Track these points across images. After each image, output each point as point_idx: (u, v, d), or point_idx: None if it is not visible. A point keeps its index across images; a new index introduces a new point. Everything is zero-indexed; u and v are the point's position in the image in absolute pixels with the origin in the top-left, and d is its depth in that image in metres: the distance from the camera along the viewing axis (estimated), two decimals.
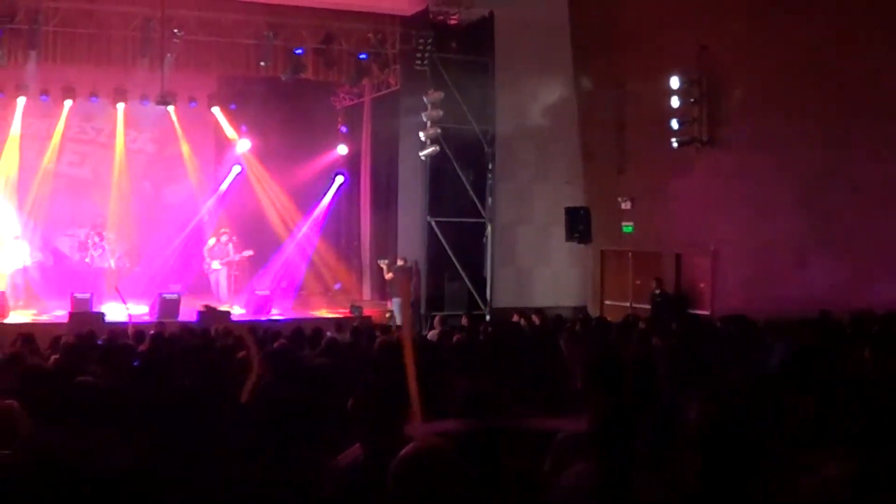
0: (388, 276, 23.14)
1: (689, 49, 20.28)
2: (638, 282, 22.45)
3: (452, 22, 23.22)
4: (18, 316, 21.99)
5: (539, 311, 18.52)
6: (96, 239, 24.83)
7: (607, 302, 23.35)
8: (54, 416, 5.86)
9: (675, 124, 20.53)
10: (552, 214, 23.67)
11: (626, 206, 22.54)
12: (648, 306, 20.88)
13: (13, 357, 9.65)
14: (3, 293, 21.82)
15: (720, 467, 4.04)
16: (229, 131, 26.59)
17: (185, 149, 26.50)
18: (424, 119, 22.67)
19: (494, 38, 23.31)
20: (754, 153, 18.99)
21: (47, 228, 25.42)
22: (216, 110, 26.49)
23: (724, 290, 19.97)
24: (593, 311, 22.09)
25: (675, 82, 20.49)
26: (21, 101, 24.38)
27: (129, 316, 18.04)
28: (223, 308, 22.29)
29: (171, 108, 24.63)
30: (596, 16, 23.46)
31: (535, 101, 23.61)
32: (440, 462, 3.86)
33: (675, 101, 20.53)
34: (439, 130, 22.55)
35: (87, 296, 21.61)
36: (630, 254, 22.89)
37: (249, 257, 24.84)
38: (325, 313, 23.53)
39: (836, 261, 17.11)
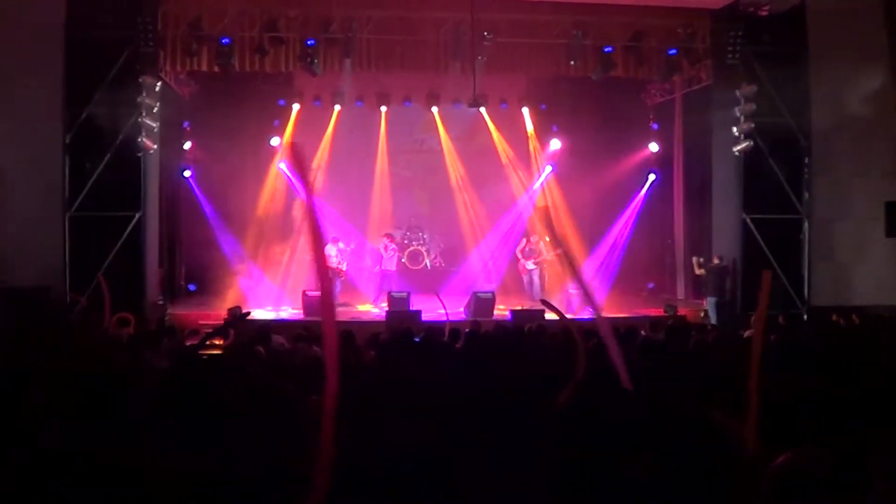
0: (699, 271, 22.97)
1: None
2: None
3: (763, 13, 22.68)
4: (338, 315, 22.92)
5: (859, 310, 17.96)
6: (412, 239, 25.72)
7: None
8: (370, 411, 6.07)
9: None
10: (872, 209, 22.74)
11: None
12: None
13: None
14: None
15: None
16: (540, 131, 26.98)
17: (497, 149, 27.03)
18: (737, 114, 22.32)
19: (807, 27, 22.69)
20: None
21: (365, 230, 26.48)
22: (526, 111, 26.96)
23: None
24: None
25: None
26: (336, 108, 25.53)
27: (446, 315, 18.51)
28: (536, 308, 22.64)
29: (482, 110, 25.25)
30: None
31: (853, 90, 22.74)
32: (817, 470, 3.90)
33: None
34: (753, 125, 22.15)
35: (404, 294, 22.37)
36: None
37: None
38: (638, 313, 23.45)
39: None
